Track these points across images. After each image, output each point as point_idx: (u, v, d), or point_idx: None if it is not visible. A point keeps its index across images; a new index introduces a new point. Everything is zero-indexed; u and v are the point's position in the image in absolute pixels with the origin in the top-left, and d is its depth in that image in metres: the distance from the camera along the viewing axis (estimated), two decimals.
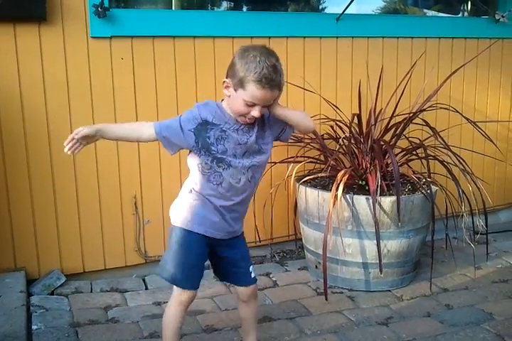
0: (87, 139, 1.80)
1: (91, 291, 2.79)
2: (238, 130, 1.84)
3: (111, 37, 2.74)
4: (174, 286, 1.96)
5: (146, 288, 2.86)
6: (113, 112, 2.79)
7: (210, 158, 1.84)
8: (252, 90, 1.73)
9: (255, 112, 1.77)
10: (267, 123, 1.91)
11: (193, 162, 1.88)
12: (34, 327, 2.38)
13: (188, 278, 1.94)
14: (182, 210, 1.93)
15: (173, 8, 3.35)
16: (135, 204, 2.91)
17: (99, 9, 2.63)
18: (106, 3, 2.65)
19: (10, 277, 2.66)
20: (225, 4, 3.70)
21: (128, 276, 2.96)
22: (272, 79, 1.73)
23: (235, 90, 1.77)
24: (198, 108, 1.85)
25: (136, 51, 2.80)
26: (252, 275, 2.04)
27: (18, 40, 2.58)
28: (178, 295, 1.95)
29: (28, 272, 2.75)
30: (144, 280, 2.94)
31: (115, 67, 2.77)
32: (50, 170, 2.73)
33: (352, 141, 2.98)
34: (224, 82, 1.81)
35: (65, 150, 1.78)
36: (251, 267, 2.04)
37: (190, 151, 1.89)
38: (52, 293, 2.72)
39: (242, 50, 1.79)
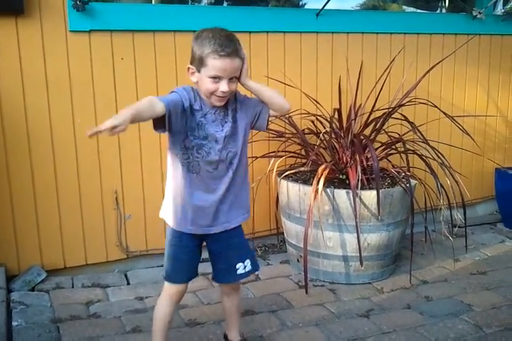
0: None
1: (72, 287, 2.78)
2: (215, 115, 1.86)
3: (90, 31, 2.71)
4: (165, 281, 1.99)
5: (128, 283, 2.85)
6: (93, 106, 2.77)
7: (192, 143, 1.84)
8: (212, 63, 1.76)
9: (223, 86, 1.78)
10: (240, 109, 1.92)
11: (176, 151, 1.86)
12: (14, 323, 2.36)
13: (174, 272, 1.97)
14: (167, 210, 1.96)
15: (153, 2, 3.34)
16: (116, 199, 2.90)
17: (78, 3, 2.61)
18: None
19: None
20: None
21: (109, 271, 2.95)
22: (227, 46, 1.75)
23: (199, 71, 1.80)
24: (183, 91, 1.83)
25: (115, 45, 2.78)
26: (239, 271, 2.02)
27: None
28: (166, 289, 1.99)
29: (7, 268, 2.72)
30: (125, 275, 2.94)
31: (94, 62, 2.75)
32: (29, 165, 2.70)
33: (332, 136, 3.00)
34: (188, 69, 1.84)
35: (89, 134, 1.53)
36: (239, 264, 2.01)
37: (173, 137, 1.85)
38: (32, 289, 2.70)
39: (196, 34, 1.83)
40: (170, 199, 1.94)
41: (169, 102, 1.73)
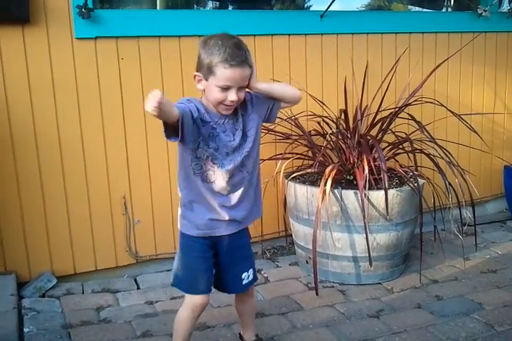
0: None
1: (82, 292, 2.79)
2: (225, 125, 1.83)
3: (96, 37, 2.73)
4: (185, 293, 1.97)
5: (138, 288, 2.86)
6: (100, 113, 2.79)
7: (206, 153, 1.81)
8: (222, 72, 1.71)
9: (232, 95, 1.74)
10: (251, 109, 1.88)
11: (186, 162, 1.84)
12: (26, 330, 2.37)
13: (192, 283, 1.93)
14: (182, 215, 1.93)
15: (158, 7, 3.35)
16: (124, 204, 2.91)
17: (83, 10, 2.62)
18: (90, 4, 2.64)
19: (0, 280, 2.65)
20: (210, 3, 3.71)
21: (119, 277, 2.96)
22: (237, 56, 1.71)
23: (207, 79, 1.76)
24: (190, 102, 1.79)
25: (121, 51, 2.80)
26: (245, 281, 2.00)
27: (2, 42, 2.57)
28: (188, 301, 1.95)
29: (18, 275, 2.74)
30: (135, 280, 2.94)
31: (101, 68, 2.77)
32: (38, 171, 2.72)
33: (339, 137, 3.00)
34: (195, 76, 1.80)
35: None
36: (244, 274, 2.00)
37: (184, 149, 1.83)
38: (43, 296, 2.71)
39: (203, 40, 1.78)
40: (183, 204, 1.91)
41: (181, 110, 1.69)
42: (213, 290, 2.01)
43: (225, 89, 1.74)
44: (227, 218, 1.89)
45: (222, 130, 1.83)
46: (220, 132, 1.82)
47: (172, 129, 1.70)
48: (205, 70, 1.75)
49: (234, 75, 1.72)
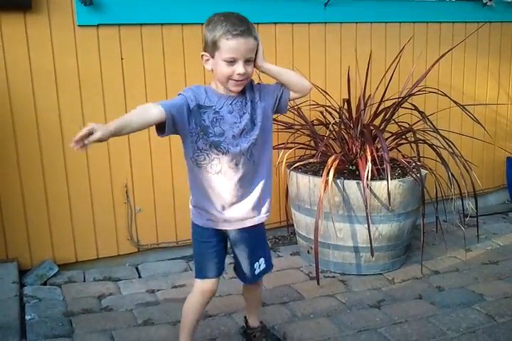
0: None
1: (84, 281, 2.80)
2: (232, 106, 1.81)
3: (98, 25, 2.71)
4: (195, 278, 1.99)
5: (140, 277, 2.86)
6: (101, 100, 2.77)
7: (207, 143, 1.79)
8: (225, 44, 1.71)
9: (239, 68, 1.73)
10: (260, 98, 1.86)
11: (188, 154, 1.84)
12: (28, 317, 2.38)
13: (200, 268, 1.96)
14: (192, 205, 1.95)
15: None
16: (126, 193, 2.91)
17: None
18: None
19: (2, 268, 2.66)
20: None
21: (121, 265, 2.96)
22: (239, 26, 1.71)
23: (213, 57, 1.76)
24: (189, 91, 1.80)
25: (123, 39, 2.78)
26: (257, 271, 2.00)
27: (4, 29, 2.55)
28: (197, 287, 1.97)
29: (20, 263, 2.74)
30: (137, 268, 2.95)
31: (103, 56, 2.75)
32: (40, 160, 2.72)
33: (342, 127, 2.98)
34: (202, 56, 1.80)
35: (71, 145, 1.56)
36: (256, 264, 2.00)
37: (184, 142, 1.83)
38: (45, 283, 2.72)
39: (206, 20, 1.79)
40: (192, 195, 1.93)
41: (170, 107, 1.70)
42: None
43: (231, 62, 1.73)
44: (225, 216, 1.89)
45: (228, 110, 1.81)
46: (225, 114, 1.81)
47: (161, 125, 1.71)
48: (210, 47, 1.75)
49: (238, 45, 1.72)
